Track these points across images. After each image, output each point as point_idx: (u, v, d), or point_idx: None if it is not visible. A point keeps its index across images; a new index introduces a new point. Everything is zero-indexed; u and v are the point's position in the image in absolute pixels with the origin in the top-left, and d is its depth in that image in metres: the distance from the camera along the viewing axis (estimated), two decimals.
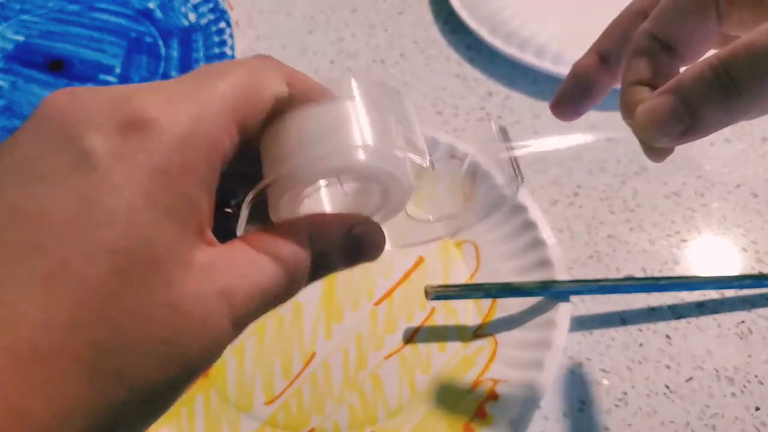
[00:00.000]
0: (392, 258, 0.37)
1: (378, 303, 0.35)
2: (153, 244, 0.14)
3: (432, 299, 0.34)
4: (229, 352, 0.34)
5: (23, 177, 0.14)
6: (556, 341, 0.32)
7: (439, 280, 0.36)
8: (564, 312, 0.33)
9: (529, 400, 0.31)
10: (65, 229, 0.14)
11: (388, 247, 0.19)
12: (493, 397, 0.32)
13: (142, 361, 0.14)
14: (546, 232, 0.36)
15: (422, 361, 0.34)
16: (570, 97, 0.26)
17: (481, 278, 0.36)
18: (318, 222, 0.18)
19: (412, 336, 0.34)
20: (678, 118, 0.20)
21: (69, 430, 0.13)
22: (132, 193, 0.14)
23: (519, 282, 0.34)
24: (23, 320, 0.13)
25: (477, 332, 0.34)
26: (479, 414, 0.31)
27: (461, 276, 0.37)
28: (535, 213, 0.37)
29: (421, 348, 0.34)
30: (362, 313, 0.35)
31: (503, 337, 0.34)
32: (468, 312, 0.35)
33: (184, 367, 0.14)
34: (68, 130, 0.14)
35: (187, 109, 0.15)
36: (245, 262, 0.16)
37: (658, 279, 0.35)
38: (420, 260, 0.37)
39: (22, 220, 0.14)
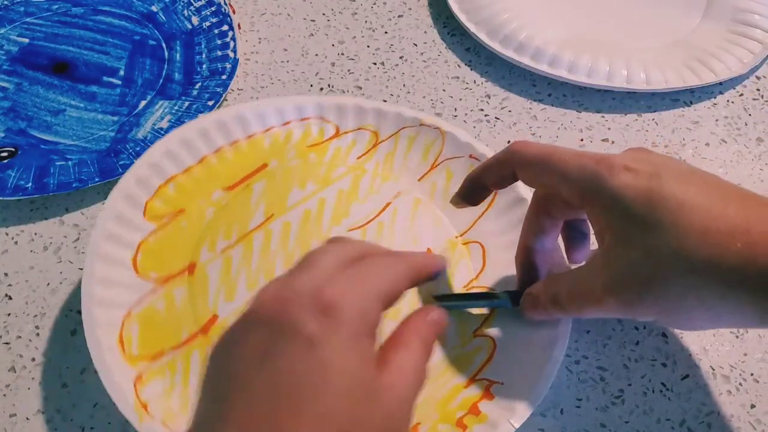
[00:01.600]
0: None
1: None
2: (365, 382, 0.22)
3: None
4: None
5: (269, 361, 0.21)
6: (556, 347, 0.32)
7: (444, 277, 0.37)
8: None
9: (525, 404, 0.31)
10: (319, 388, 0.20)
11: None
12: (488, 397, 0.32)
13: None
14: None
15: None
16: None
17: (486, 278, 0.37)
18: None
19: None
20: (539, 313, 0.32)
21: None
22: (348, 354, 0.21)
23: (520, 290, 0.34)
24: None
25: (476, 333, 0.35)
26: (473, 411, 0.32)
27: (467, 275, 0.37)
28: None
29: None
30: None
31: (502, 338, 0.34)
32: (468, 312, 0.35)
33: None
34: (288, 322, 0.21)
35: (358, 299, 0.23)
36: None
37: None
38: None
39: (291, 388, 0.20)
